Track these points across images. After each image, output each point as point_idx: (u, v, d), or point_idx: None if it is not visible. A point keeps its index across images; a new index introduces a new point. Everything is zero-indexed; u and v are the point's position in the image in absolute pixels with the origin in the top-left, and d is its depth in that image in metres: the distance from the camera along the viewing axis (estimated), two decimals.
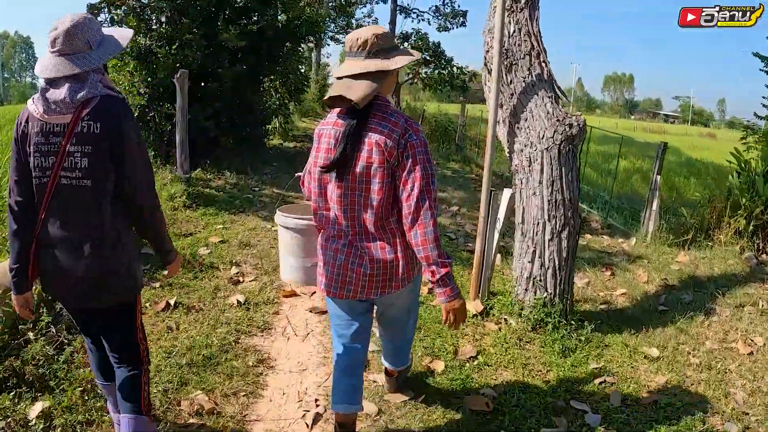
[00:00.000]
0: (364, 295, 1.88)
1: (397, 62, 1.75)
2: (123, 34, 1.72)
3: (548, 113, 3.33)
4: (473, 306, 3.58)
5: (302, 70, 13.16)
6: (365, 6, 24.64)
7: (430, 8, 19.31)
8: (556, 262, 3.40)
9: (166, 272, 1.97)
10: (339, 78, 1.78)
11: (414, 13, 19.31)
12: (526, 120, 3.40)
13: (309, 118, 18.36)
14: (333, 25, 30.52)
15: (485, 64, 3.61)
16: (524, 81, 3.44)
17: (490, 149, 3.43)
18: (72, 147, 1.55)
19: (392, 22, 18.67)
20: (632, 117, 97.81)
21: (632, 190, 13.73)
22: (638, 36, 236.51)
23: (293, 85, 11.49)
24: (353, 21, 28.61)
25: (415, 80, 19.76)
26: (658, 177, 6.48)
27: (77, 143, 1.55)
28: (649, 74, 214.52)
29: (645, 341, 3.24)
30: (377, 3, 21.98)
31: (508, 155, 3.59)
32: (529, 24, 3.50)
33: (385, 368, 2.48)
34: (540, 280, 3.44)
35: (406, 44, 19.39)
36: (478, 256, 3.61)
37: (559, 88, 3.51)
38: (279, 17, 8.19)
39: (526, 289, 3.50)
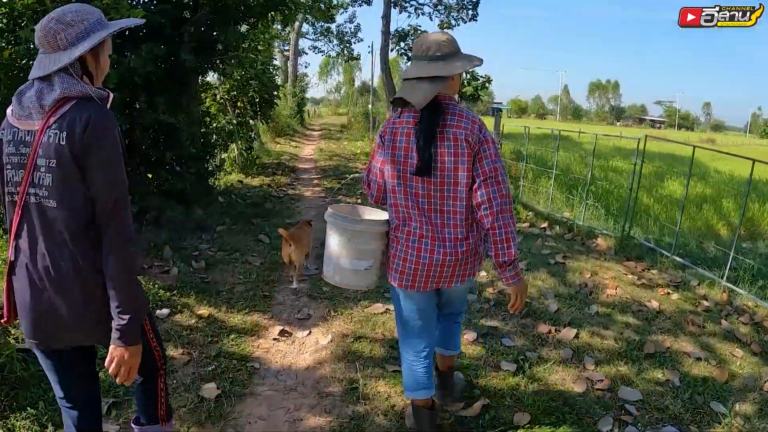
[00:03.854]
0: (446, 285, 1.98)
1: (456, 68, 1.85)
2: (124, 23, 1.47)
3: None
4: None
5: (273, 77, 9.68)
6: (346, 10, 21.88)
7: (430, 0, 16.00)
8: None
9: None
10: (406, 80, 1.90)
11: (411, 5, 16.01)
12: None
13: (286, 137, 14.93)
14: (311, 29, 27.39)
15: None
16: None
17: None
18: (39, 159, 1.33)
19: (385, 17, 15.30)
20: (618, 123, 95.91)
21: (706, 227, 10.42)
22: (623, 40, 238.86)
23: (258, 96, 8.08)
24: (333, 27, 25.54)
25: None
26: None
27: (43, 155, 1.33)
28: (633, 79, 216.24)
29: None
30: (360, 5, 19.12)
31: None
32: None
33: (436, 366, 2.40)
34: None
35: (402, 44, 16.14)
36: None
37: None
38: None
39: None
